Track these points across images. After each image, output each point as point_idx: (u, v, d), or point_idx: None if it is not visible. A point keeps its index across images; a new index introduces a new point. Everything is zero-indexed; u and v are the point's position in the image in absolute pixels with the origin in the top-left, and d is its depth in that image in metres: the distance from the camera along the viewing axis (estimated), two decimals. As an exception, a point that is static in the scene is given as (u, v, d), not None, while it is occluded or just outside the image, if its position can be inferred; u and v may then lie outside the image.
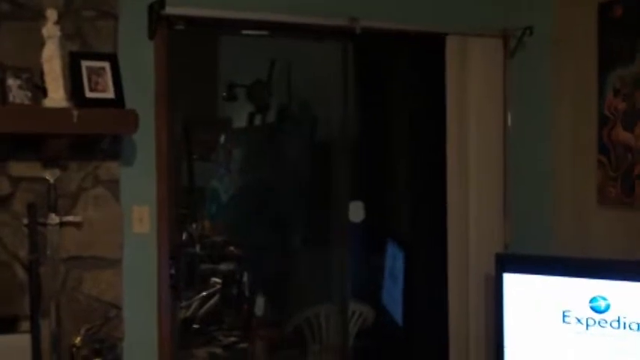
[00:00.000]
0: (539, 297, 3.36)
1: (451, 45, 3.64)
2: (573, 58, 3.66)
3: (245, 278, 5.06)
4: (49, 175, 2.95)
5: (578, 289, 3.25)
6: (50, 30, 2.83)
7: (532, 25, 3.68)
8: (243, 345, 4.75)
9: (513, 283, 3.43)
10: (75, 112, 2.77)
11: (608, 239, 3.51)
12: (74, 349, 2.94)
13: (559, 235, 3.74)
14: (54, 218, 2.94)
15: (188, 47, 3.62)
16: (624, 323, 3.14)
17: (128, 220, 3.16)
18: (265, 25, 3.46)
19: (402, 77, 4.13)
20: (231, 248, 5.20)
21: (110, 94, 2.95)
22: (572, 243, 3.67)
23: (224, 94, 5.10)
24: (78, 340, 2.96)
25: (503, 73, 3.75)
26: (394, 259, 4.25)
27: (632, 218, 3.39)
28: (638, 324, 3.10)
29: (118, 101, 2.95)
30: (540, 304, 3.35)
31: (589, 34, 3.53)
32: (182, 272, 4.75)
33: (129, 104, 2.98)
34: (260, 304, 4.93)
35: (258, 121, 5.20)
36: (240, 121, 5.34)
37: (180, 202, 4.76)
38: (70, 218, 2.99)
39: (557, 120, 3.74)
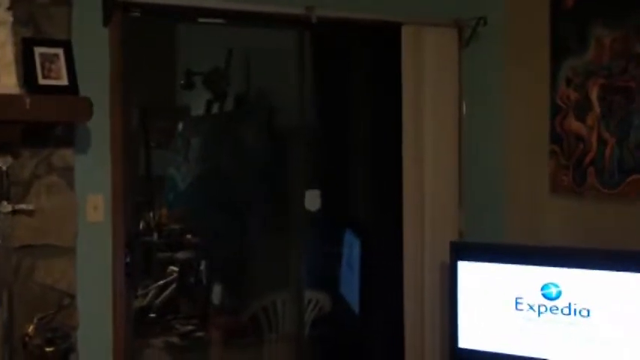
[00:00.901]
0: (493, 284, 3.41)
1: (406, 34, 3.65)
2: (526, 49, 3.71)
3: (202, 266, 5.04)
4: (1, 163, 2.90)
5: (530, 277, 3.31)
6: (2, 16, 2.79)
7: (486, 16, 3.71)
8: (200, 334, 4.75)
9: (468, 271, 3.47)
10: (27, 99, 2.74)
11: (560, 227, 3.57)
12: (27, 338, 2.91)
13: (513, 223, 3.79)
14: (6, 206, 2.89)
15: (145, 34, 3.59)
16: (575, 310, 3.19)
17: (82, 208, 3.13)
18: (221, 13, 3.44)
19: (359, 66, 4.14)
20: (189, 236, 5.18)
21: (64, 81, 2.92)
22: (525, 231, 3.72)
23: (182, 82, 5.06)
24: (31, 329, 2.92)
25: (458, 63, 3.78)
26: (351, 248, 4.27)
27: (583, 207, 3.46)
28: (588, 310, 3.15)
29: (72, 88, 2.92)
30: (494, 291, 3.40)
31: (541, 25, 3.58)
32: (139, 261, 4.72)
33: (83, 92, 2.94)
34: (217, 293, 4.92)
35: (216, 109, 5.18)
36: (198, 109, 5.31)
37: (138, 191, 4.72)
38: (23, 206, 2.95)
39: (510, 109, 3.79)
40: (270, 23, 3.66)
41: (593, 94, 3.36)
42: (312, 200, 3.78)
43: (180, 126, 5.47)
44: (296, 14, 3.47)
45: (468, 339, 3.47)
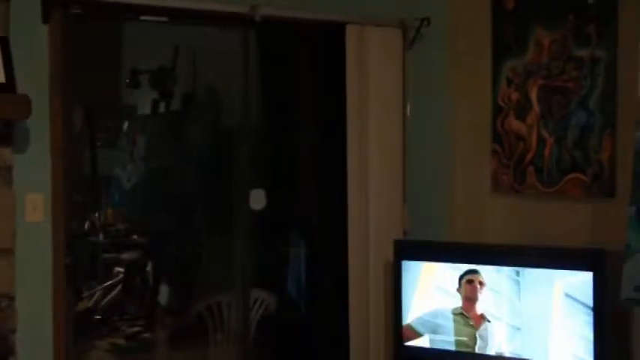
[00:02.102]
0: (436, 282, 3.44)
1: (351, 34, 3.67)
2: (469, 49, 3.75)
3: (149, 267, 5.00)
4: (-64, 161, 2.85)
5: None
6: (-64, 12, 2.74)
7: (429, 16, 3.75)
8: (146, 335, 4.71)
9: (412, 269, 3.50)
10: (-37, 97, 2.69)
11: (502, 225, 3.62)
12: (-36, 341, 2.87)
13: (456, 221, 3.84)
14: (-59, 206, 2.85)
15: (90, 32, 3.55)
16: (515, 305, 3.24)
17: (21, 208, 3.08)
18: (164, 10, 3.42)
19: (305, 66, 4.15)
20: (135, 237, 5.13)
21: (1, 78, 2.87)
22: (469, 230, 3.77)
23: (127, 80, 5.01)
24: (-32, 331, 2.88)
25: (402, 63, 3.81)
26: (297, 247, 4.28)
27: (524, 205, 3.51)
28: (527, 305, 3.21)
29: (9, 86, 2.87)
30: (437, 289, 3.44)
31: (483, 26, 3.63)
32: (84, 262, 4.67)
33: (22, 89, 2.90)
34: (164, 293, 4.89)
35: (162, 108, 5.14)
36: (144, 108, 5.26)
37: (83, 190, 4.67)
38: (-41, 206, 2.90)
39: (454, 109, 3.83)
40: (214, 22, 3.64)
41: (533, 94, 3.42)
42: (257, 199, 3.77)
43: (126, 125, 5.42)
44: (240, 13, 3.46)
45: (412, 337, 3.51)
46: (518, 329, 3.22)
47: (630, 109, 2.75)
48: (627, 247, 2.56)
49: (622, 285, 2.58)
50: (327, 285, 3.99)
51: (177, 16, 3.51)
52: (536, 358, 3.17)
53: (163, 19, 3.56)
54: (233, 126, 4.25)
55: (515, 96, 3.50)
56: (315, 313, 4.12)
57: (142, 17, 3.54)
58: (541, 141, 3.39)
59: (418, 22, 3.77)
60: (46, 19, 3.13)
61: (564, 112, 3.28)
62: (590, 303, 3.02)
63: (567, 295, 3.09)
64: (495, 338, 3.30)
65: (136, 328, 4.72)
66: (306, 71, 4.15)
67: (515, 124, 3.51)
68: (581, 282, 3.05)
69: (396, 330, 3.56)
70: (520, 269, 3.22)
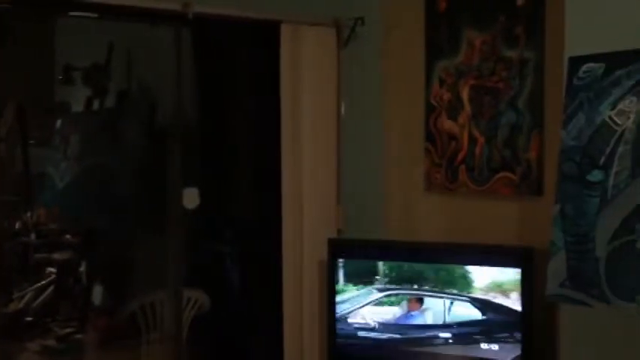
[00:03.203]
0: (370, 280, 3.47)
1: (285, 33, 3.67)
2: (403, 49, 3.78)
3: (82, 267, 4.92)
4: None
5: (405, 271, 3.38)
6: None
7: (363, 16, 3.77)
8: (79, 336, 4.63)
9: (345, 267, 3.52)
10: None
11: (434, 224, 3.66)
12: None
13: (390, 220, 3.85)
14: None
15: (21, 29, 3.48)
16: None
17: (-55, 207, 3.01)
18: (95, 7, 3.37)
19: (239, 64, 4.14)
20: (68, 236, 5.04)
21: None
22: (402, 228, 3.79)
23: (60, 77, 4.92)
24: None
25: (337, 63, 3.83)
26: (231, 245, 4.26)
27: (456, 203, 3.55)
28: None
29: None
30: (370, 287, 3.46)
31: (417, 26, 3.65)
32: (15, 262, 4.57)
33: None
34: (98, 293, 4.81)
35: (96, 105, 5.06)
36: (78, 106, 5.18)
37: (14, 189, 4.57)
38: None
39: (388, 109, 3.85)
40: (147, 19, 3.60)
41: (465, 95, 3.46)
42: (191, 198, 3.74)
43: (59, 123, 5.32)
44: (172, 10, 3.43)
45: (346, 334, 3.52)
46: (451, 324, 3.26)
47: (557, 110, 2.80)
48: (552, 245, 2.61)
49: (547, 282, 2.62)
50: (261, 284, 3.99)
51: (108, 12, 3.46)
52: (469, 352, 3.21)
53: (94, 15, 3.51)
54: (167, 124, 4.21)
55: (447, 96, 3.54)
56: (249, 312, 4.10)
57: (72, 13, 3.48)
58: (472, 140, 3.44)
59: (352, 22, 3.79)
60: (-29, 14, 3.06)
61: (494, 112, 3.33)
62: (519, 299, 3.08)
63: (497, 292, 3.14)
64: (430, 332, 3.34)
65: (69, 330, 4.63)
66: (241, 69, 4.14)
67: (448, 124, 3.55)
68: (510, 279, 3.11)
69: (330, 328, 3.57)
70: (451, 266, 3.27)
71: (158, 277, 4.19)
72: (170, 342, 3.89)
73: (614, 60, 2.50)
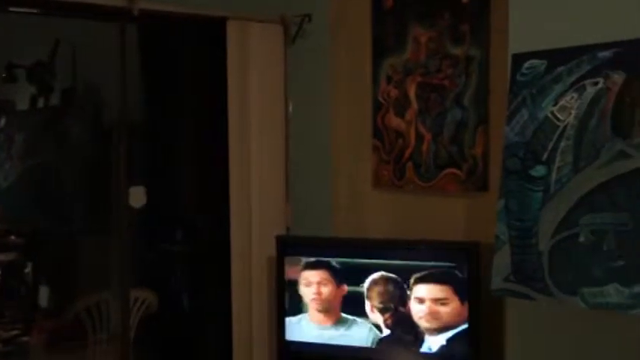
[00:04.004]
0: (318, 277, 3.47)
1: (232, 30, 3.65)
2: (350, 46, 3.78)
3: (28, 268, 4.83)
4: None
5: (353, 269, 3.40)
6: None
7: (311, 13, 3.76)
8: (25, 338, 4.55)
9: (294, 265, 3.52)
10: None
11: (383, 220, 3.67)
12: None
13: (338, 217, 3.86)
14: None
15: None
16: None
17: None
18: (38, 3, 3.31)
19: (187, 61, 4.10)
20: (13, 237, 4.94)
21: None
22: (351, 225, 3.80)
23: (3, 75, 4.83)
24: None
25: (284, 60, 3.82)
26: (179, 244, 4.22)
27: (403, 200, 3.57)
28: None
29: None
30: (318, 284, 3.47)
31: (364, 23, 3.66)
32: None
33: None
34: (44, 295, 4.73)
35: (41, 103, 4.97)
36: (22, 104, 5.08)
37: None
38: None
39: (336, 106, 3.85)
40: (91, 15, 3.55)
41: (411, 92, 3.48)
42: (137, 197, 3.70)
43: (2, 121, 5.22)
44: (117, 6, 3.39)
45: (295, 331, 3.52)
46: (403, 323, 3.28)
47: (501, 106, 2.83)
48: (497, 239, 2.64)
49: (492, 276, 2.65)
50: (210, 282, 3.96)
51: (52, 8, 3.40)
52: (424, 348, 3.24)
53: (34, 10, 3.44)
54: (113, 122, 4.15)
55: (394, 93, 3.56)
56: (198, 311, 4.08)
57: (13, 9, 3.41)
58: (419, 137, 3.46)
59: (299, 19, 3.78)
60: None
61: (441, 108, 3.36)
62: (466, 294, 3.12)
63: (445, 288, 3.17)
64: (382, 331, 3.35)
65: (14, 332, 4.55)
66: (188, 66, 4.10)
67: (395, 121, 3.56)
68: (457, 274, 3.14)
69: (279, 325, 3.56)
70: (400, 262, 3.29)
71: (104, 277, 4.14)
72: (117, 343, 3.84)
73: (556, 57, 2.54)
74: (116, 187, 3.73)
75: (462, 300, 3.14)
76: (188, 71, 4.10)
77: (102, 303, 4.01)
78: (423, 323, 3.23)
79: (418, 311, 3.24)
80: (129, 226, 3.71)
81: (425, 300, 3.22)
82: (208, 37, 3.76)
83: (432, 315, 3.21)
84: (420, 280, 3.23)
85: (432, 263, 3.22)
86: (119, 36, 3.59)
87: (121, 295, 3.73)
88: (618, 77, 2.36)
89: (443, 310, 3.19)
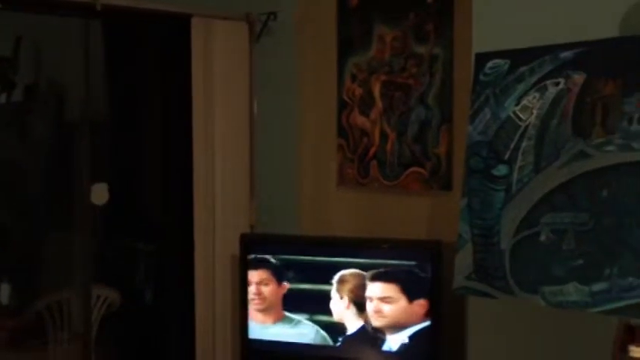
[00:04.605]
0: (283, 275, 3.46)
1: (196, 27, 3.63)
2: (315, 45, 3.78)
3: (-10, 266, 4.77)
4: None
5: (318, 267, 3.39)
6: None
7: (276, 11, 3.75)
8: (-15, 337, 4.48)
9: (258, 263, 3.51)
10: None
11: (347, 218, 3.67)
12: None
13: (303, 215, 3.86)
14: None
15: None
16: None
17: None
18: (-2, -3, 3.27)
19: (151, 57, 4.07)
20: (-26, 235, 4.88)
21: None
22: (315, 223, 3.80)
23: (-35, 70, 4.76)
24: None
25: (249, 58, 3.80)
26: (142, 241, 4.20)
27: (368, 198, 3.58)
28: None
29: None
30: (283, 282, 3.46)
31: (329, 22, 3.66)
32: None
33: None
34: (5, 293, 4.68)
35: (3, 99, 4.91)
36: (-15, 100, 5.01)
37: None
38: None
39: (301, 104, 3.85)
40: (54, 10, 3.51)
41: (376, 90, 3.48)
42: (99, 194, 3.67)
43: (-35, 117, 5.15)
44: (80, 1, 3.35)
45: (258, 330, 3.51)
46: (366, 321, 3.29)
47: (465, 105, 2.84)
48: (459, 238, 2.65)
49: (455, 274, 2.66)
50: (173, 280, 3.94)
51: (14, 3, 3.35)
52: (385, 346, 3.24)
53: (-3, 5, 3.39)
54: (76, 118, 4.12)
55: (359, 92, 3.56)
56: (161, 309, 4.05)
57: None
58: (383, 136, 3.46)
59: (265, 17, 3.77)
60: None
61: (405, 107, 3.37)
62: (429, 292, 3.13)
63: (391, 286, 3.19)
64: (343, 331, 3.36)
65: (-24, 331, 4.49)
66: (153, 63, 4.07)
67: (360, 120, 3.57)
68: (420, 272, 3.15)
69: (242, 323, 3.55)
70: (363, 261, 3.29)
71: (66, 275, 4.10)
72: (79, 341, 3.81)
73: (519, 57, 2.55)
74: (79, 184, 3.69)
75: (410, 299, 3.16)
76: (153, 68, 4.07)
77: (63, 301, 3.97)
78: (373, 321, 3.25)
79: (369, 309, 3.26)
80: (91, 224, 3.67)
81: (373, 299, 3.24)
82: (173, 33, 3.73)
83: (378, 313, 3.23)
84: (372, 279, 3.25)
85: (395, 262, 3.23)
86: (83, 32, 3.55)
87: (83, 292, 3.69)
88: (579, 78, 2.37)
89: (386, 308, 3.21)
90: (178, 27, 3.63)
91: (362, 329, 3.30)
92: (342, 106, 3.64)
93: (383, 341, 3.25)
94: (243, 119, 3.80)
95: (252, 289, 3.48)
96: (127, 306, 4.03)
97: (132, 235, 4.18)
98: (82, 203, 3.64)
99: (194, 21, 3.62)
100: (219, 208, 3.73)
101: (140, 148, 4.17)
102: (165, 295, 4.03)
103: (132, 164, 4.16)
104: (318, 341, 3.40)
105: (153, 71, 4.07)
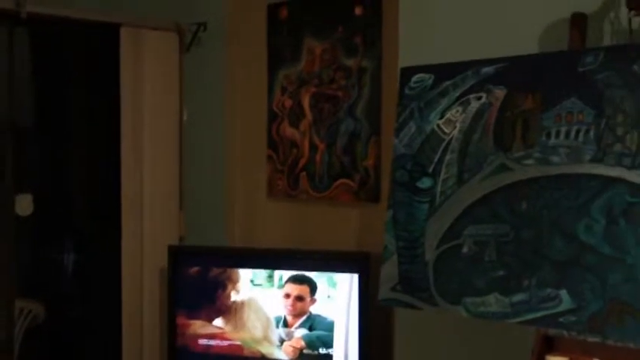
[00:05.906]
0: (212, 286, 3.45)
1: (125, 37, 3.59)
2: (246, 56, 3.78)
3: None
4: None
5: (246, 278, 3.39)
6: None
7: (206, 21, 3.74)
8: None
9: (186, 274, 3.48)
10: None
11: (277, 230, 3.68)
12: None
13: (233, 227, 3.84)
14: None
15: None
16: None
17: None
18: None
19: (79, 66, 4.01)
20: None
21: None
22: (245, 234, 3.79)
23: None
24: None
25: (179, 68, 3.78)
26: (68, 253, 4.12)
27: (297, 210, 3.59)
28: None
29: None
30: (212, 293, 3.45)
31: (259, 34, 3.67)
32: None
33: None
34: None
35: None
36: None
37: None
38: None
39: (231, 116, 3.84)
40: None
41: (306, 102, 3.50)
42: (24, 205, 3.59)
43: None
44: (4, 8, 3.29)
45: (185, 340, 3.48)
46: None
47: (393, 118, 2.87)
48: (385, 250, 2.67)
49: (380, 286, 2.68)
50: (100, 293, 3.88)
51: None
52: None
53: None
54: (0, 126, 4.02)
55: (288, 103, 3.57)
56: (87, 322, 3.99)
57: None
58: (313, 147, 3.48)
59: (195, 27, 3.75)
60: None
61: (334, 119, 3.39)
62: (357, 304, 3.15)
63: (336, 297, 3.21)
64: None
65: None
66: (81, 72, 4.01)
67: (289, 131, 3.58)
68: (348, 284, 3.17)
69: (170, 335, 3.52)
70: (292, 272, 3.30)
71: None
72: (2, 355, 3.71)
73: (442, 71, 2.59)
74: (2, 195, 3.60)
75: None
76: (81, 77, 4.01)
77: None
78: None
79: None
80: (15, 235, 3.59)
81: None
82: (103, 41, 3.68)
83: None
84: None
85: (324, 273, 3.24)
86: (6, 39, 3.48)
87: (6, 305, 3.60)
88: (500, 92, 2.42)
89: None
90: (108, 35, 3.58)
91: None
92: (272, 117, 3.65)
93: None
94: (173, 129, 3.77)
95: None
96: (52, 319, 3.95)
97: (58, 246, 4.10)
98: (6, 214, 3.55)
99: (123, 31, 3.58)
100: (147, 218, 3.69)
101: (67, 157, 4.09)
102: (92, 307, 3.97)
103: (58, 174, 4.08)
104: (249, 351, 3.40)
105: (81, 79, 4.01)
